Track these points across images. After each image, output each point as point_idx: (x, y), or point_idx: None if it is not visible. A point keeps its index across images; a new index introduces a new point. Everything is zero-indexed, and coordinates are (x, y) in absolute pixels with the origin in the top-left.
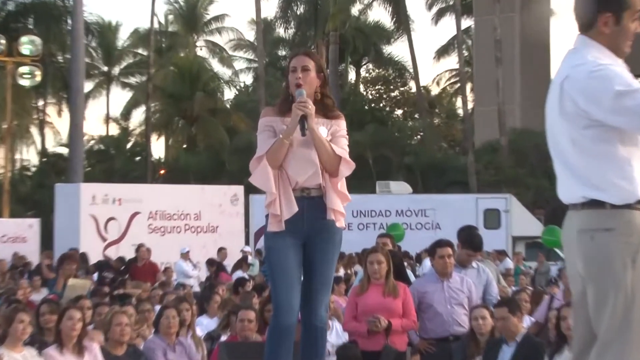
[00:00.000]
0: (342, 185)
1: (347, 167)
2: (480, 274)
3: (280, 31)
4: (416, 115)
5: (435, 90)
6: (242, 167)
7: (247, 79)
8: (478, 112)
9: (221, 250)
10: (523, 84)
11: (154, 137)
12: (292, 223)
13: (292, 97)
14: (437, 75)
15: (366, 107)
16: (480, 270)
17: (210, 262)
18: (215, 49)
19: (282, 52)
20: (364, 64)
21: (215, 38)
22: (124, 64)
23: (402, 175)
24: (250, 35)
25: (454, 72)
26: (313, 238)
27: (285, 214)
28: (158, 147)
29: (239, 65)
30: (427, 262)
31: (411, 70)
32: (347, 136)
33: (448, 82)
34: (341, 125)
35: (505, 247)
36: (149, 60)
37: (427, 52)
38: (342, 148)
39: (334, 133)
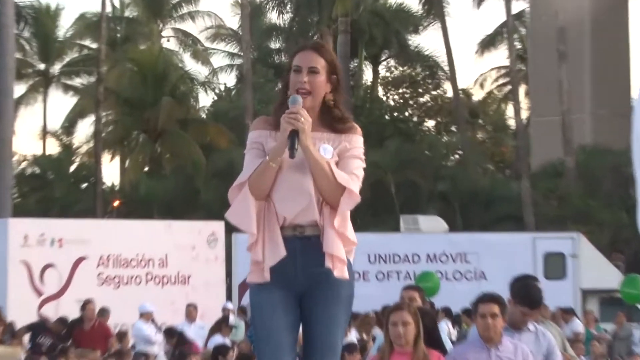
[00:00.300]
0: (342, 222)
1: (348, 201)
2: (539, 339)
3: (273, 16)
4: (453, 128)
5: (478, 95)
6: (222, 197)
7: (229, 79)
8: (535, 123)
9: (190, 308)
10: (595, 86)
11: (105, 158)
12: (281, 272)
13: None
14: (481, 75)
15: (387, 117)
16: (540, 335)
17: (169, 332)
18: (187, 40)
19: (275, 45)
20: (384, 60)
21: (187, 26)
22: (66, 60)
23: (434, 207)
24: (233, 22)
25: (502, 71)
26: (311, 291)
27: (269, 260)
28: (111, 171)
29: (218, 61)
30: (443, 326)
31: (446, 68)
32: (363, 157)
33: (495, 84)
34: (354, 141)
35: (572, 303)
36: (99, 55)
37: (468, 44)
38: (352, 172)
39: (343, 152)
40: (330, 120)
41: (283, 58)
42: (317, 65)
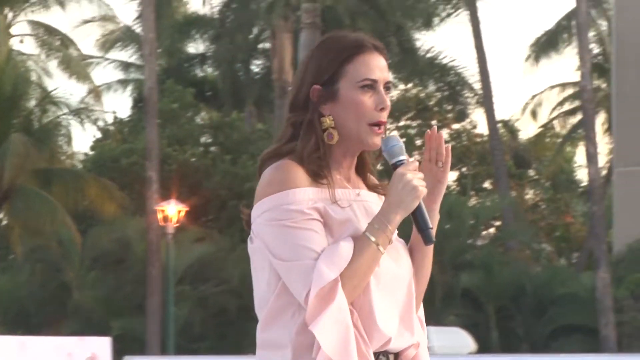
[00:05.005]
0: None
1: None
2: None
3: (194, 2)
4: (487, 185)
5: (528, 131)
6: (108, 297)
7: (120, 105)
8: (621, 177)
9: None
10: None
11: None
12: None
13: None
14: (533, 97)
15: (381, 166)
16: None
17: None
18: (52, 40)
19: (197, 48)
20: None
21: (53, 17)
22: None
23: (455, 313)
24: (126, 10)
25: (568, 91)
26: None
27: None
28: None
29: (104, 74)
30: None
31: (477, 87)
32: None
33: (556, 113)
34: None
35: None
36: None
37: (513, 47)
38: None
39: None
40: (363, 171)
41: (209, 70)
42: (391, 78)
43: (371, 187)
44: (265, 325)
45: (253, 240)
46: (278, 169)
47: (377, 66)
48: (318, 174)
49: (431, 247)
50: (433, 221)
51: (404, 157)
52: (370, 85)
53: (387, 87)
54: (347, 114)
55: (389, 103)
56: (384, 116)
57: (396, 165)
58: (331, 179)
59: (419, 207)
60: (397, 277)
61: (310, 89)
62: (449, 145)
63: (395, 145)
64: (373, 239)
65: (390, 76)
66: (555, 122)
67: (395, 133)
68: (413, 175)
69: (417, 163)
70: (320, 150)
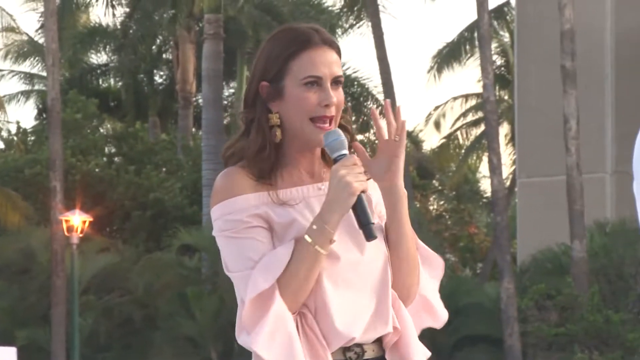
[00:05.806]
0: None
1: (439, 269)
2: None
3: (97, 12)
4: None
5: (431, 142)
6: (12, 308)
7: (24, 115)
8: (524, 187)
9: None
10: (621, 127)
11: None
12: None
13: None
14: (436, 108)
15: None
16: None
17: None
18: None
19: (99, 58)
20: None
21: None
22: None
23: None
24: (29, 20)
25: (471, 102)
26: None
27: None
28: None
29: (8, 85)
30: None
31: (380, 97)
32: None
33: (459, 124)
34: (378, 188)
35: None
36: None
37: (416, 58)
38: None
39: (377, 204)
40: (327, 161)
41: (112, 81)
42: (340, 70)
43: None
44: (236, 330)
45: None
46: (222, 177)
47: (323, 62)
48: (263, 176)
49: (407, 225)
50: (400, 197)
51: (345, 151)
52: (315, 82)
53: (337, 81)
54: (292, 112)
55: (335, 99)
56: (329, 111)
57: (336, 161)
58: (278, 179)
59: (358, 203)
60: (363, 266)
61: (259, 85)
62: (405, 120)
63: (335, 140)
64: (310, 240)
65: (340, 68)
66: (458, 133)
67: (339, 133)
68: (348, 170)
69: (355, 157)
70: (267, 149)
